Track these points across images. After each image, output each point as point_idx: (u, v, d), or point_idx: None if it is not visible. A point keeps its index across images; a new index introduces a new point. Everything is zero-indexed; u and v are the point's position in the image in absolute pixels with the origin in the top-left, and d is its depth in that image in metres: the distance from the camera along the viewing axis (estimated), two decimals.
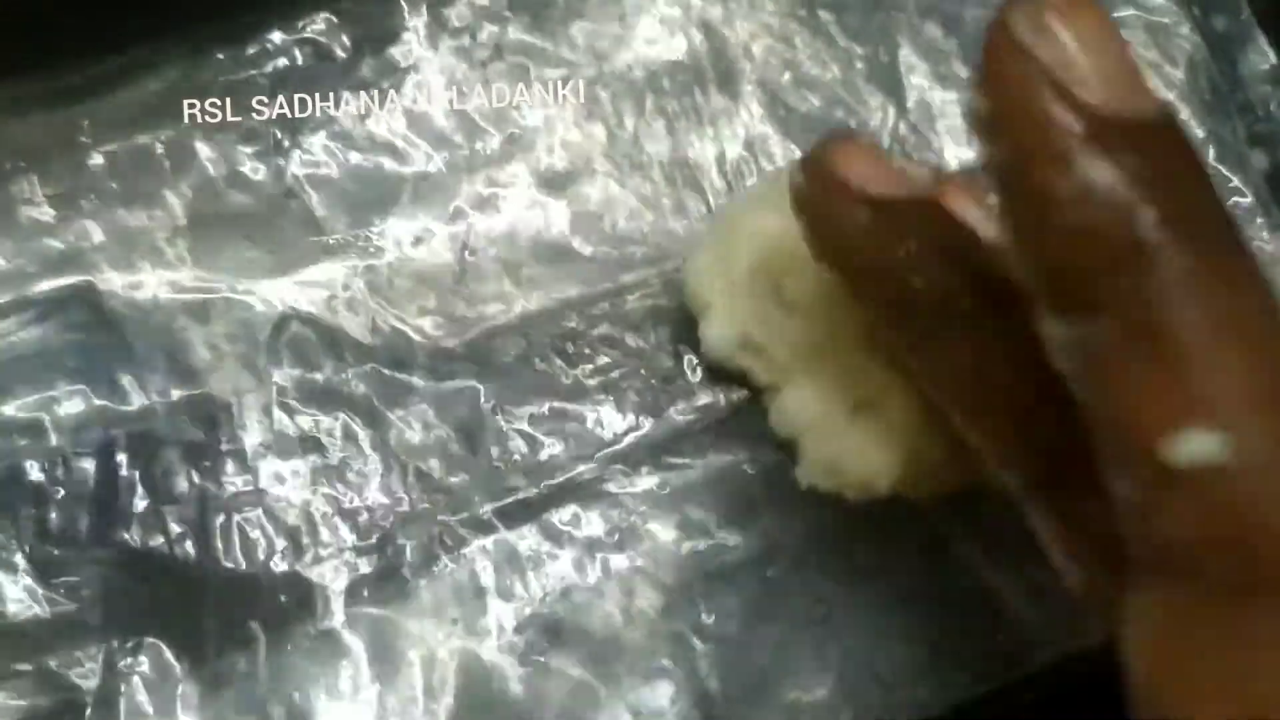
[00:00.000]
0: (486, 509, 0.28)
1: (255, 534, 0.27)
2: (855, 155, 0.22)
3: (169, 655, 0.26)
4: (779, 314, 0.28)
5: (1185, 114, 0.32)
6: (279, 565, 0.27)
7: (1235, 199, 0.32)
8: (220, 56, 0.30)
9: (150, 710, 0.26)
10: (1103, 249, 0.16)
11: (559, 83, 0.31)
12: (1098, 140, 0.16)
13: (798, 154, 0.31)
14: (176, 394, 0.28)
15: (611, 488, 0.29)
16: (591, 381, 0.29)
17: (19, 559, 0.26)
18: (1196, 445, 0.16)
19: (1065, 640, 0.29)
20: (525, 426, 0.29)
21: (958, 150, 0.32)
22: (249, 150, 0.30)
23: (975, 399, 0.22)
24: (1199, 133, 0.32)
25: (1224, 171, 0.32)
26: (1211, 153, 0.32)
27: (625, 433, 0.29)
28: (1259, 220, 0.32)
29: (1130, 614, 0.17)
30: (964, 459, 0.24)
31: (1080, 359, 0.17)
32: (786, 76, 0.32)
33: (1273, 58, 0.33)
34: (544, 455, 0.29)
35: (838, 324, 0.27)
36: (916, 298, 0.21)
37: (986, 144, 0.18)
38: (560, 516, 0.29)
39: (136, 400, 0.28)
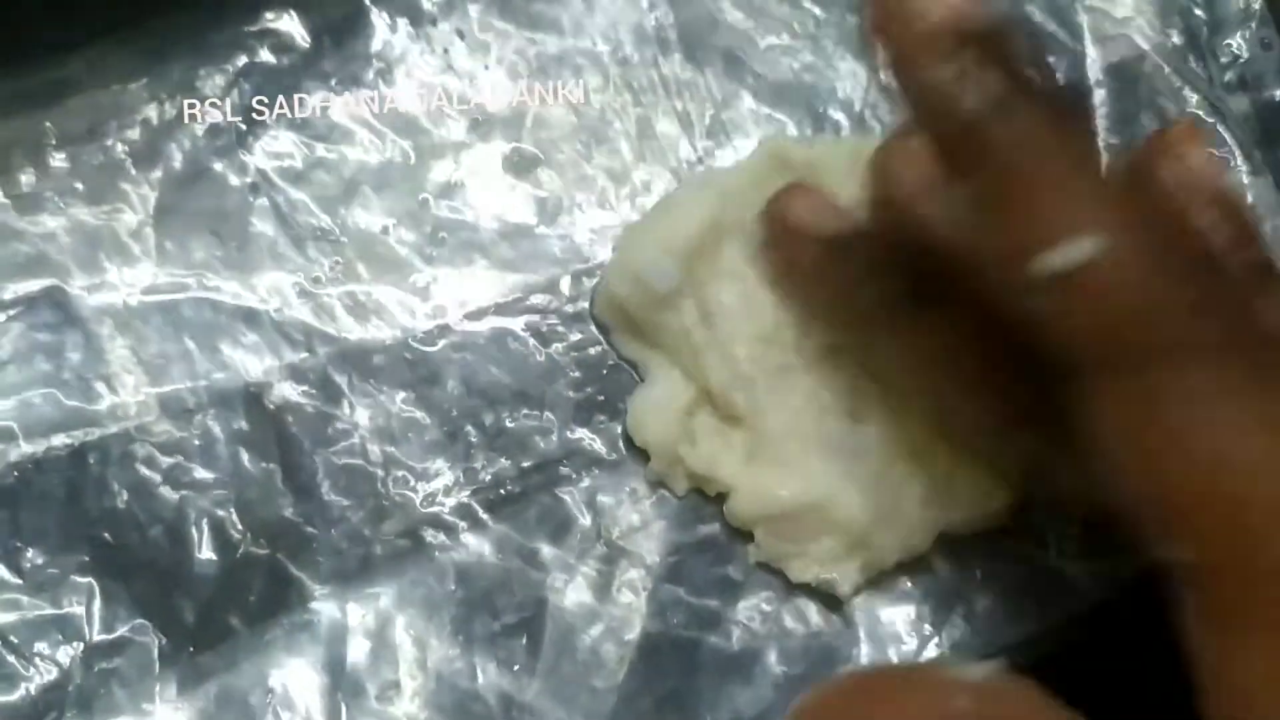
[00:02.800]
0: (466, 495, 0.28)
1: (231, 527, 0.27)
2: (800, 201, 0.27)
3: (147, 651, 0.26)
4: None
5: (1156, 60, 0.32)
6: (257, 557, 0.27)
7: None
8: (181, 53, 0.30)
9: (129, 707, 0.26)
10: (959, 121, 0.20)
11: (522, 62, 0.31)
12: (945, 45, 0.20)
13: (767, 124, 0.31)
14: (147, 392, 0.28)
15: (592, 465, 0.29)
16: (565, 359, 0.29)
17: None
18: (1057, 256, 0.19)
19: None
20: (503, 408, 0.29)
21: None
22: (212, 146, 0.29)
23: (950, 373, 0.25)
24: (1174, 81, 0.32)
25: (1202, 116, 0.31)
26: (1183, 100, 0.31)
27: (602, 408, 0.29)
28: (1239, 166, 0.31)
29: (1080, 413, 0.20)
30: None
31: (971, 216, 0.21)
32: (753, 43, 0.31)
33: None
34: (523, 436, 0.29)
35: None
36: (870, 311, 0.26)
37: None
38: (541, 500, 0.28)
39: (107, 400, 0.28)
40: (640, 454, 0.29)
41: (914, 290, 0.25)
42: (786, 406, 0.28)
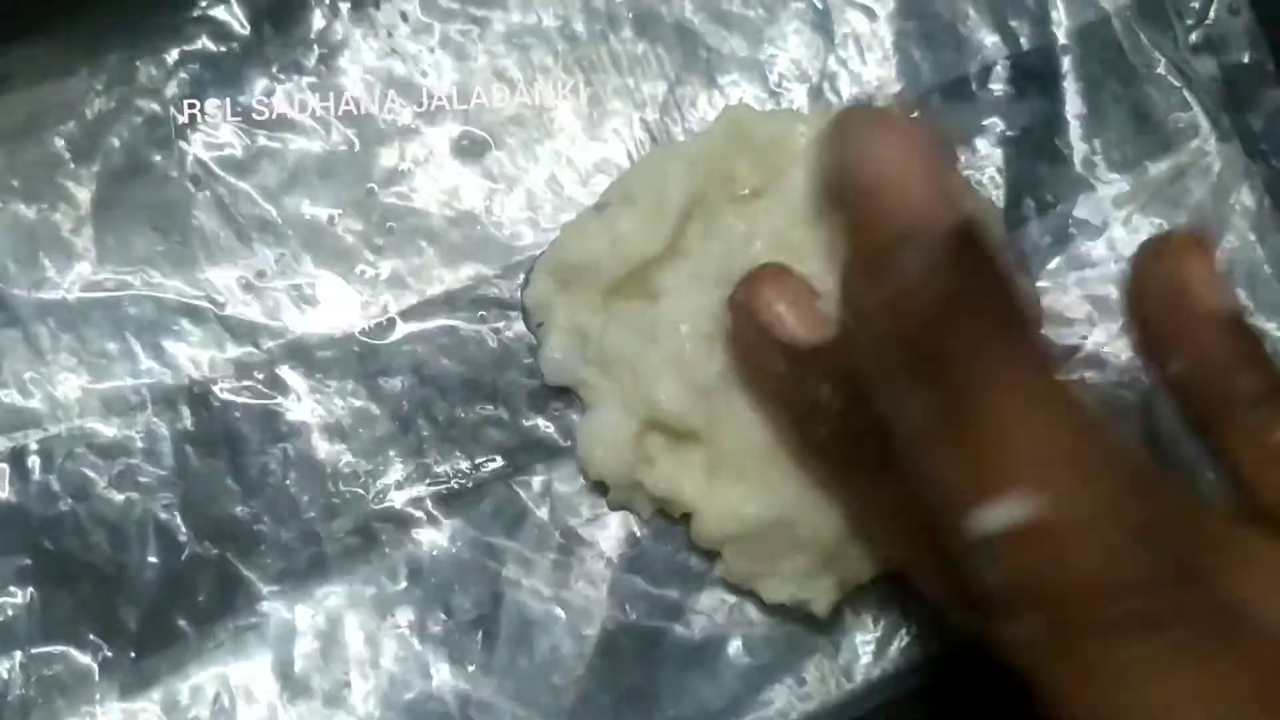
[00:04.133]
0: (419, 490, 0.28)
1: (178, 529, 0.27)
2: (775, 296, 0.24)
3: (88, 658, 0.25)
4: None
5: (1122, 24, 0.31)
6: (205, 558, 0.27)
7: (1177, 113, 0.30)
8: (118, 43, 0.29)
9: (70, 715, 0.25)
10: (906, 351, 0.18)
11: (469, 43, 0.30)
12: (901, 254, 0.18)
13: (721, 100, 0.30)
14: (89, 391, 0.27)
15: (548, 455, 0.28)
16: (518, 347, 0.28)
17: None
18: (998, 514, 0.17)
19: None
20: (455, 399, 0.28)
21: (888, 86, 0.30)
22: (152, 138, 0.29)
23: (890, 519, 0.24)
24: (1140, 44, 0.31)
25: (1169, 81, 0.30)
26: (1150, 64, 0.30)
27: (557, 396, 0.28)
28: (1204, 129, 0.30)
29: (1006, 646, 0.19)
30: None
31: (907, 440, 0.19)
32: (706, 16, 0.30)
33: None
34: (476, 427, 0.28)
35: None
36: (833, 431, 0.24)
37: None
38: (495, 492, 0.28)
39: (48, 401, 0.27)
40: None
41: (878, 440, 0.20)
42: (745, 419, 0.26)
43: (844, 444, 0.24)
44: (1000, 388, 0.17)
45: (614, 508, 0.28)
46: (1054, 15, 0.31)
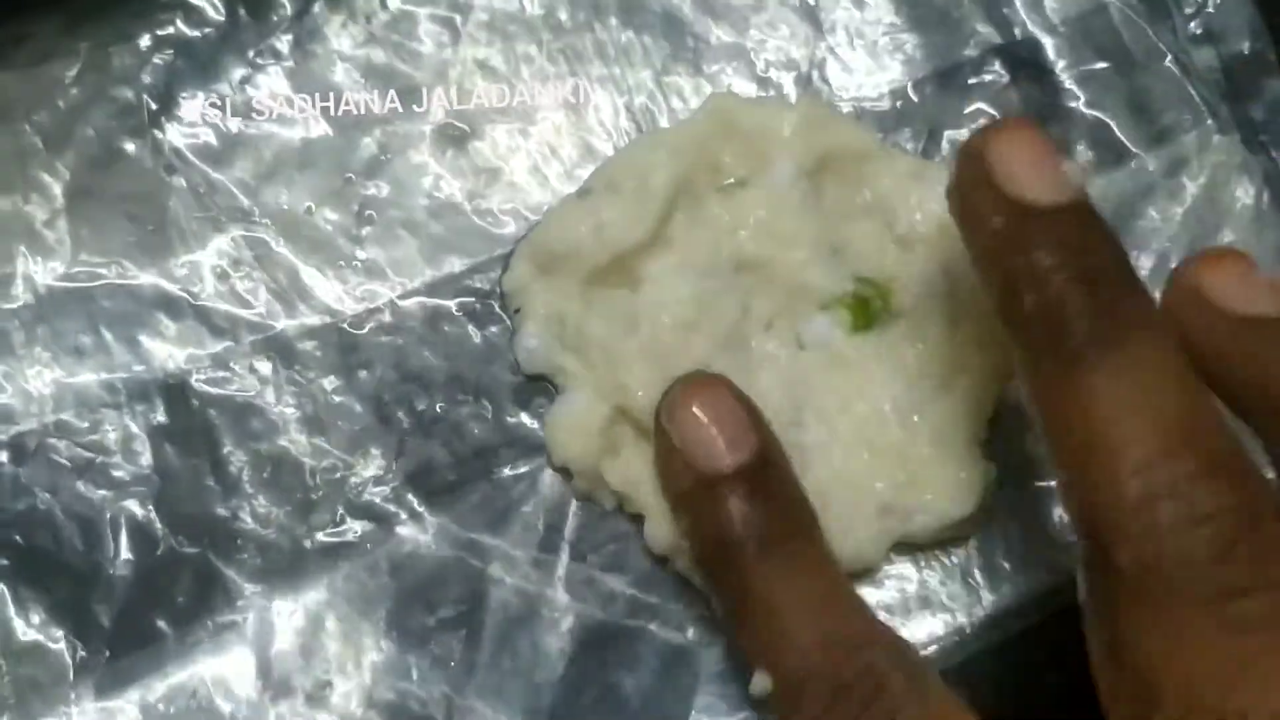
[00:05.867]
0: (400, 485, 0.27)
1: (154, 526, 0.26)
2: (700, 408, 0.25)
3: (62, 657, 0.25)
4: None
5: (1119, 12, 0.30)
6: (183, 556, 0.26)
7: (1175, 104, 0.30)
8: (90, 29, 0.28)
9: (46, 714, 0.25)
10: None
11: (449, 31, 0.29)
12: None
13: (708, 89, 0.29)
14: (61, 385, 0.27)
15: (532, 452, 0.27)
16: (502, 341, 0.28)
17: None
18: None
19: None
20: (437, 393, 0.28)
21: (879, 74, 0.30)
22: (125, 126, 0.28)
23: None
24: (1137, 32, 0.30)
25: (1168, 70, 0.30)
26: (1148, 53, 0.30)
27: (542, 392, 0.28)
28: (1207, 123, 0.30)
29: None
30: None
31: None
32: (693, 4, 0.30)
33: None
34: (458, 422, 0.28)
35: None
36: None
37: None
38: (479, 488, 0.27)
39: (20, 395, 0.27)
40: None
41: None
42: None
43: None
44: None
45: (579, 497, 0.27)
46: (1049, 2, 0.30)
